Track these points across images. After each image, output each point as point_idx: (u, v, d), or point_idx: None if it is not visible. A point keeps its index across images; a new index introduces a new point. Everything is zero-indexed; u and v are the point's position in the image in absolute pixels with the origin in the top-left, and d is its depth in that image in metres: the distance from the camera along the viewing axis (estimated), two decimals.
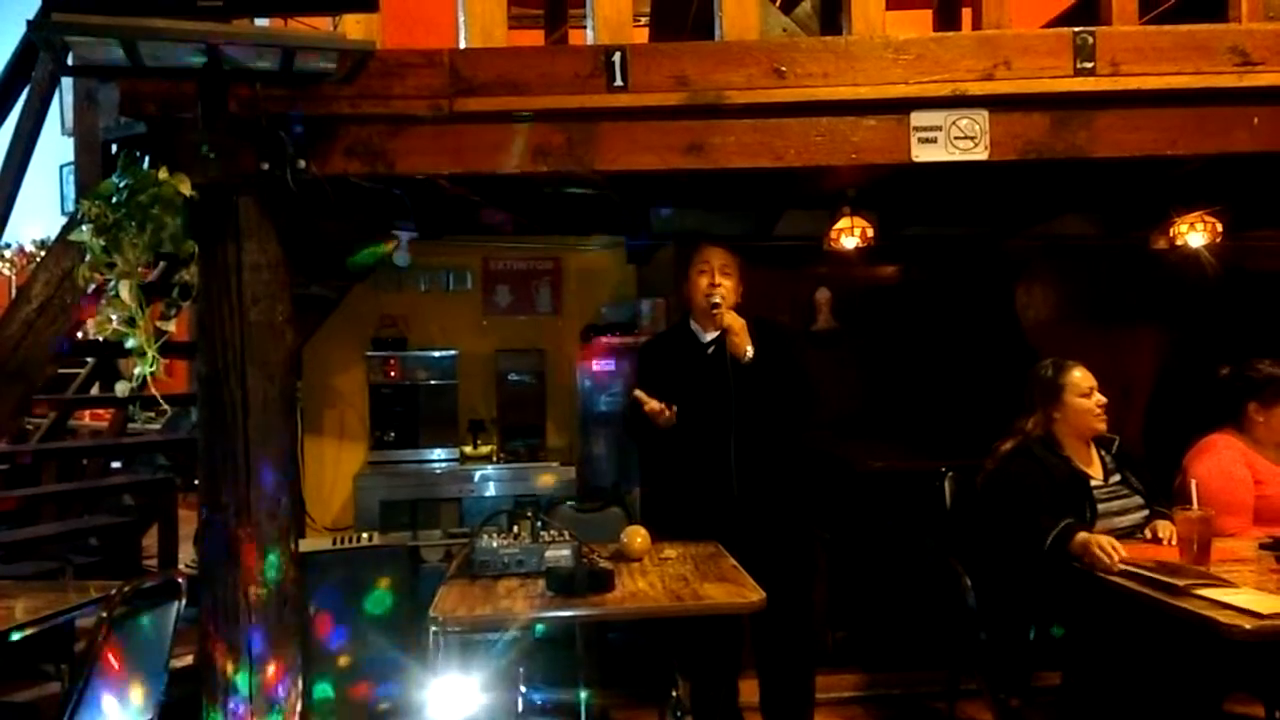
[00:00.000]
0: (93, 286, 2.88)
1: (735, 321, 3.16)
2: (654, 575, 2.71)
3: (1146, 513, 3.10)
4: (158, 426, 5.26)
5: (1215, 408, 3.38)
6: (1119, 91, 2.98)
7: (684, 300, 3.43)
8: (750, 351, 3.14)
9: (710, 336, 3.27)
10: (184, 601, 2.68)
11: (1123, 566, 2.64)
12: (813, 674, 3.40)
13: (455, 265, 5.17)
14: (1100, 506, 3.04)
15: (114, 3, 2.38)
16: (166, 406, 3.35)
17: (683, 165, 3.01)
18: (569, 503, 3.73)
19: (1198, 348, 4.67)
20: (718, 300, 3.20)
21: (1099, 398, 3.14)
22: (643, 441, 3.53)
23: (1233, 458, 3.21)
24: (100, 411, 5.86)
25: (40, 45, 2.91)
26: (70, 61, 2.61)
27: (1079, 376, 3.15)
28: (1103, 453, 3.22)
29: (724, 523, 3.08)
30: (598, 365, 4.84)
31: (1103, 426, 3.15)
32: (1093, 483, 3.10)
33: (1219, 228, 4.32)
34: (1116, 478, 3.17)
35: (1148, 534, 3.03)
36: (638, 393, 3.12)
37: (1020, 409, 3.23)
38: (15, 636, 2.44)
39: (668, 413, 3.05)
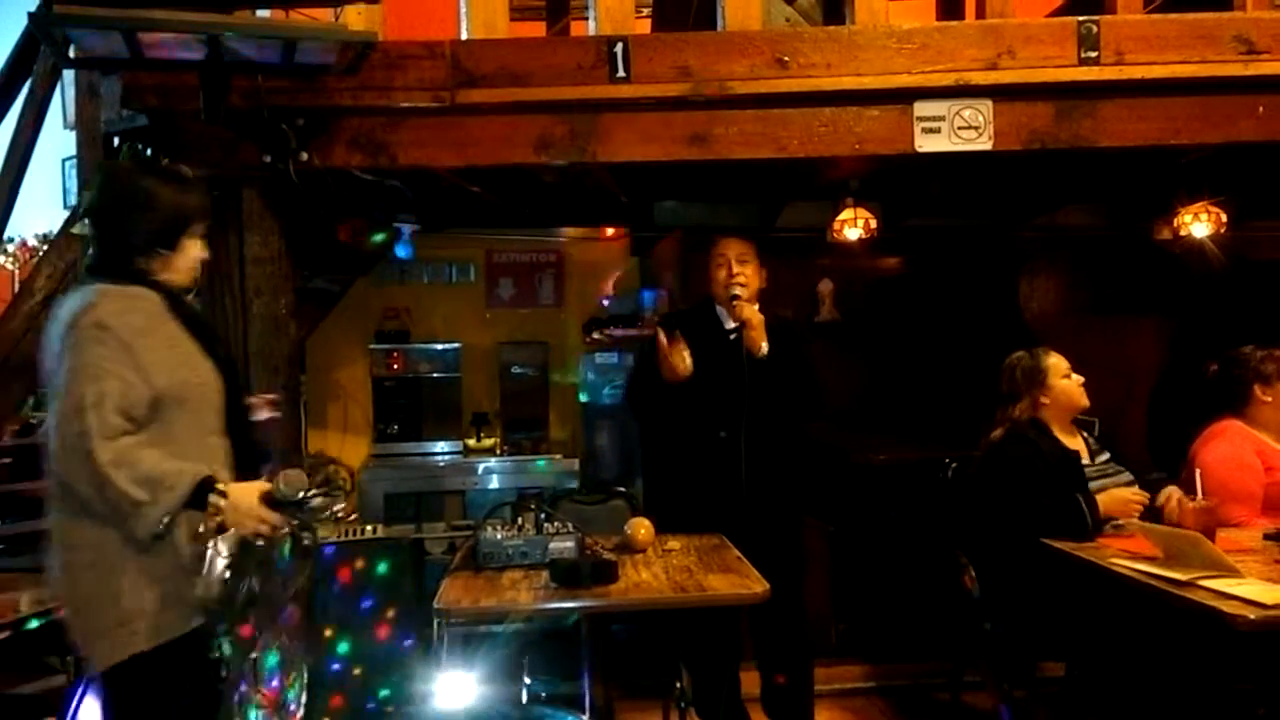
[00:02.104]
0: None
1: (754, 316, 3.11)
2: (658, 567, 2.70)
3: (1136, 486, 3.12)
4: None
5: (1217, 398, 3.37)
6: (1123, 81, 2.98)
7: (701, 293, 3.39)
8: (765, 347, 3.11)
9: (734, 325, 3.24)
10: None
11: (1128, 562, 2.64)
12: (812, 665, 3.41)
13: (458, 258, 5.18)
14: (1091, 485, 3.06)
15: None
16: None
17: (686, 156, 3.01)
18: (572, 495, 3.73)
19: (1201, 338, 4.65)
20: (738, 291, 3.14)
21: (1077, 377, 3.20)
22: (646, 412, 3.47)
23: (1243, 445, 3.20)
24: None
25: (42, 38, 2.90)
26: (72, 54, 2.61)
27: (1056, 360, 3.21)
28: (1085, 434, 3.25)
29: (729, 515, 3.07)
30: (600, 357, 4.84)
31: (1087, 402, 3.19)
32: (1082, 462, 3.13)
33: (1223, 218, 4.31)
34: (1103, 456, 3.21)
35: (1161, 499, 3.05)
36: (660, 331, 3.05)
37: (1000, 400, 3.25)
38: (32, 624, 2.45)
39: (684, 358, 3.02)
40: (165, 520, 1.90)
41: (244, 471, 2.14)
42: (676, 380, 3.05)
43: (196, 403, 2.04)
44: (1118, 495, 3.00)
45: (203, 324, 2.17)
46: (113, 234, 2.09)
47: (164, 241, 2.08)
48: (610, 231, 5.22)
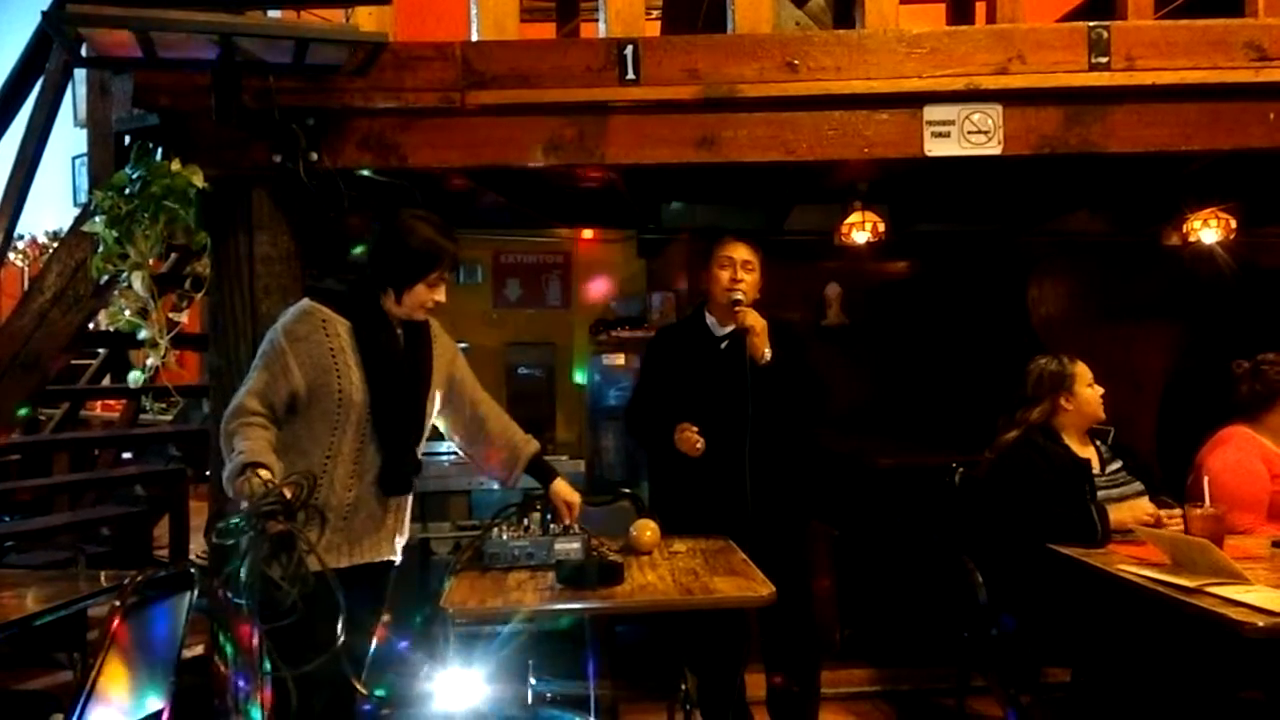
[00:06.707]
0: (105, 278, 2.89)
1: (757, 322, 3.07)
2: (663, 569, 2.70)
3: (1146, 498, 3.10)
4: (169, 417, 5.27)
5: (1229, 402, 3.36)
6: (1134, 86, 2.97)
7: (702, 292, 3.37)
8: (769, 353, 3.09)
9: (725, 330, 3.21)
10: (196, 592, 2.69)
11: (1136, 569, 2.64)
12: (819, 669, 3.40)
13: (465, 258, 5.15)
14: (1099, 494, 3.05)
15: None
16: (178, 398, 3.36)
17: (694, 159, 3.01)
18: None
19: (1210, 344, 4.64)
20: (739, 297, 3.11)
21: (1098, 388, 3.19)
22: (650, 442, 3.49)
23: (1250, 452, 3.18)
24: (112, 402, 5.89)
25: (54, 36, 2.91)
26: (84, 52, 2.62)
27: (1083, 368, 3.19)
28: (1098, 443, 3.24)
29: (735, 520, 3.06)
30: (607, 359, 4.84)
31: (1103, 414, 3.19)
32: (1092, 471, 3.12)
33: (1232, 224, 4.30)
34: (1114, 466, 3.19)
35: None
36: (684, 428, 3.07)
37: (1019, 402, 3.24)
38: (38, 621, 2.46)
39: (699, 446, 3.06)
40: (230, 485, 2.22)
41: (391, 478, 2.51)
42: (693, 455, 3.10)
43: (329, 405, 2.40)
44: (1138, 511, 2.98)
45: (381, 350, 2.47)
46: (368, 264, 2.52)
47: (395, 282, 2.46)
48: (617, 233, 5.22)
